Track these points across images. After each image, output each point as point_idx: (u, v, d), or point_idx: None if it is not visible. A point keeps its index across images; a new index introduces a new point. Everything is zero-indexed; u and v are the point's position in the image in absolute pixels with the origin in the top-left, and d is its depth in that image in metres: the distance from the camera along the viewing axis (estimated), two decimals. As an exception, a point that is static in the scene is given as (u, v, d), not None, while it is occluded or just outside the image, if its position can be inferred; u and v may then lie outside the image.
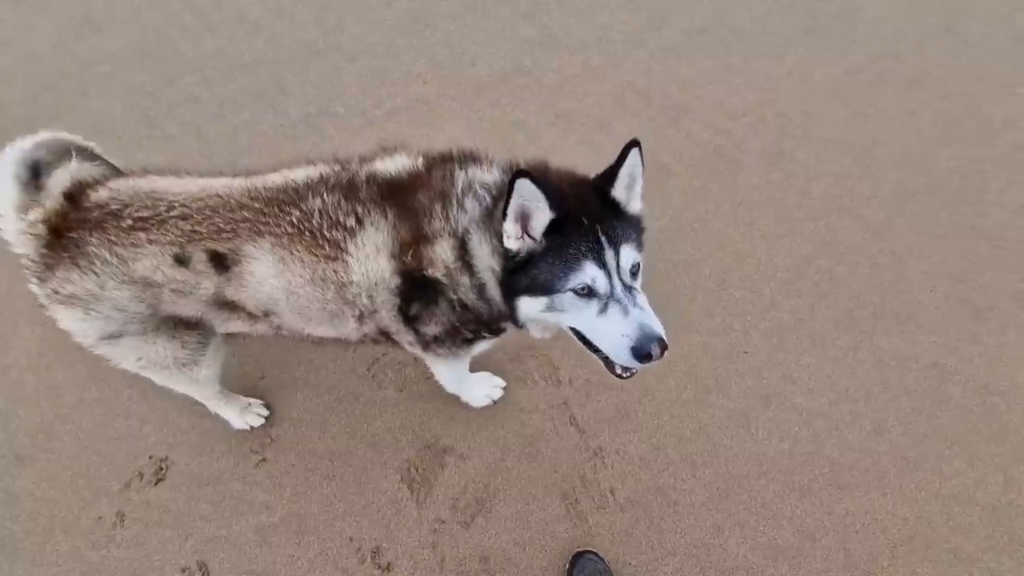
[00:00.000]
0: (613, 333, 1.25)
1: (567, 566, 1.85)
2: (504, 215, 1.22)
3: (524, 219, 1.24)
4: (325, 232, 1.34)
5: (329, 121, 2.85)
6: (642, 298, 1.28)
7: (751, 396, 2.14)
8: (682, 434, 2.07)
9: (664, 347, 1.22)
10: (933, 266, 2.42)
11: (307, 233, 1.34)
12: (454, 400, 2.13)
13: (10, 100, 2.92)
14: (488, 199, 1.34)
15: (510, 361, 2.22)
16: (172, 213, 1.35)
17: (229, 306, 1.45)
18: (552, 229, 1.23)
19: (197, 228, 1.34)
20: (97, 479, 2.01)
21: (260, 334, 1.63)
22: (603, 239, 1.24)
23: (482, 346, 1.67)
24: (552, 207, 1.20)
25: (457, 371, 1.95)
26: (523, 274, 1.27)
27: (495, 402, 2.12)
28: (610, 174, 1.28)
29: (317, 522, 1.94)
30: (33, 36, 3.18)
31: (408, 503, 1.97)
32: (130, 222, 1.34)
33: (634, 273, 1.30)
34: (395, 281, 1.37)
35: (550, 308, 1.29)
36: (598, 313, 1.26)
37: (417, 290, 1.38)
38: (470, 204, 1.34)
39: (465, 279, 1.36)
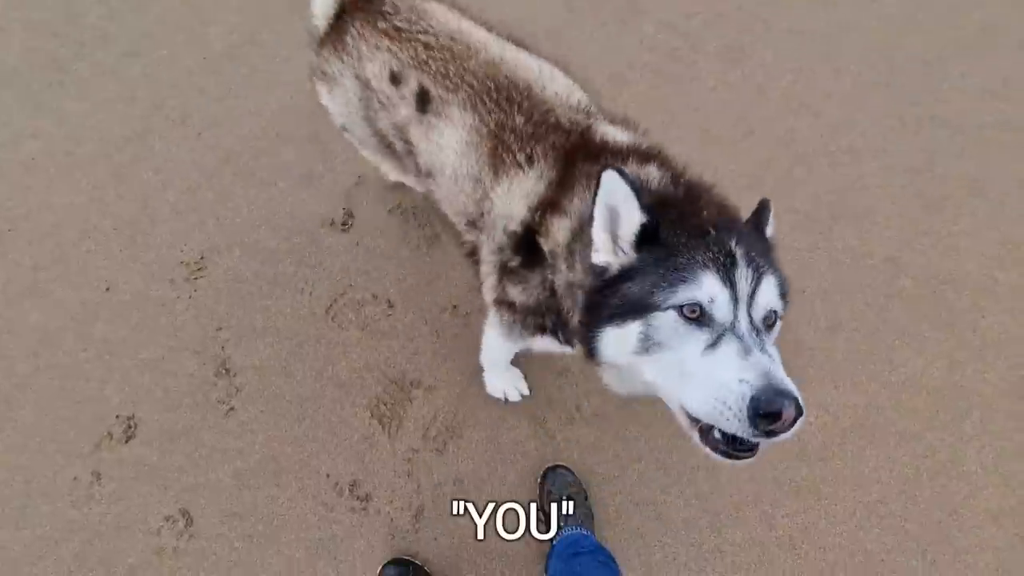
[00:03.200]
0: (723, 375, 0.85)
1: (539, 480, 1.93)
2: (591, 219, 1.01)
3: (614, 225, 1.01)
4: (509, 147, 1.29)
5: (256, 51, 2.62)
6: (774, 350, 0.91)
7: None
8: (644, 348, 2.11)
9: (800, 412, 0.82)
10: (893, 160, 2.39)
11: (499, 139, 1.30)
12: (417, 335, 2.13)
13: None
14: None
15: (470, 291, 2.20)
16: (421, 36, 1.41)
17: (408, 144, 1.50)
18: (649, 239, 0.98)
19: (429, 61, 1.38)
20: (66, 443, 2.01)
21: (415, 187, 1.77)
22: (737, 253, 0.93)
23: (543, 344, 1.46)
24: (642, 207, 0.95)
25: (500, 351, 1.80)
26: (611, 290, 1.00)
27: (507, 401, 2.04)
28: (758, 217, 1.12)
29: (292, 462, 1.98)
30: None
31: (380, 437, 2.01)
32: (385, 26, 1.43)
33: (770, 325, 0.96)
34: (515, 227, 1.27)
35: (644, 341, 0.94)
36: (706, 347, 0.89)
37: (524, 249, 1.27)
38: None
39: (563, 267, 1.18)
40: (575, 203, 1.17)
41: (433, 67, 1.37)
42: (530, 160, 1.26)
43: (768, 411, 0.80)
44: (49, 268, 2.25)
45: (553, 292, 1.24)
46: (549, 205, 1.21)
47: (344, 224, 2.31)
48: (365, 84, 1.48)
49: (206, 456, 2.00)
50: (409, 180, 1.64)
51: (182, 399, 2.07)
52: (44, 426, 2.02)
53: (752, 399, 0.81)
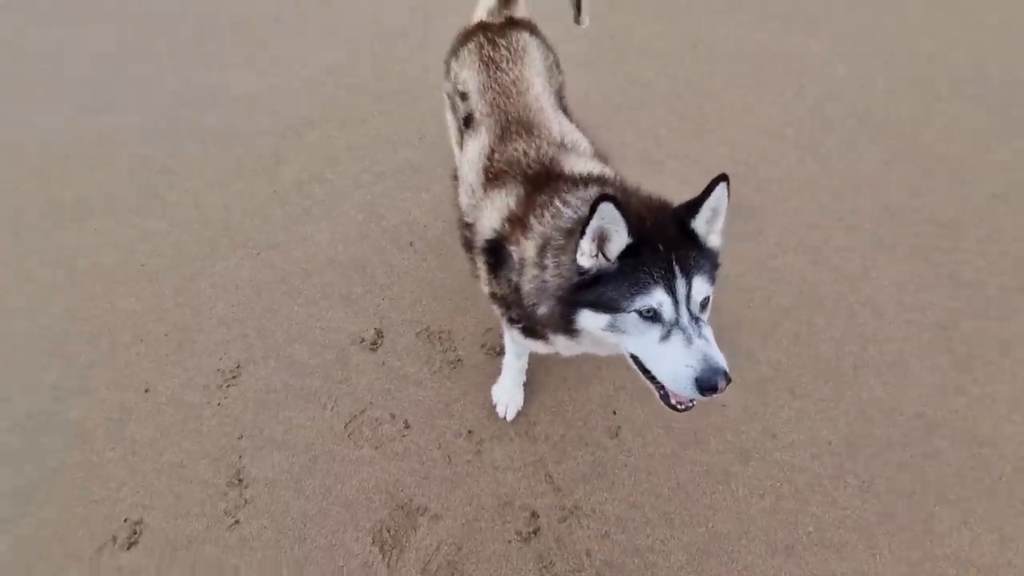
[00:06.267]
0: (675, 362, 1.23)
1: (541, 635, 1.77)
2: (583, 233, 1.26)
3: (601, 240, 1.28)
4: (502, 166, 1.70)
5: (319, 186, 2.99)
6: (708, 330, 1.27)
7: (730, 451, 2.10)
8: (660, 491, 2.03)
9: (728, 380, 1.20)
10: (914, 315, 2.40)
11: (491, 160, 1.74)
12: (429, 458, 2.12)
13: (23, 175, 3.13)
14: (573, 216, 1.44)
15: (487, 417, 2.22)
16: (499, 73, 1.91)
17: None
18: (627, 253, 1.26)
19: (489, 91, 1.89)
20: (71, 544, 2.01)
21: None
22: (676, 267, 1.24)
23: (527, 343, 1.77)
24: (630, 233, 1.23)
25: (510, 350, 2.12)
26: (589, 290, 1.30)
27: (503, 417, 2.20)
28: (693, 205, 1.30)
29: (287, 587, 1.90)
30: (50, 114, 3.44)
31: (379, 567, 1.92)
32: (487, 54, 1.96)
33: (703, 306, 1.30)
34: (489, 235, 1.62)
35: (612, 327, 1.30)
36: (660, 339, 1.25)
37: (498, 252, 1.59)
38: (567, 213, 1.45)
39: (533, 271, 1.45)
40: (536, 226, 1.47)
41: (491, 95, 1.87)
42: (504, 182, 1.64)
43: (707, 387, 1.19)
44: (99, 366, 2.42)
45: (517, 289, 1.51)
46: (517, 220, 1.53)
47: (373, 344, 2.44)
48: (453, 83, 2.03)
49: (202, 574, 1.94)
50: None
51: (191, 507, 2.07)
52: (56, 524, 2.04)
53: (696, 379, 1.20)
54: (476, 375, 2.32)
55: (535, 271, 1.44)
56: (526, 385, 2.26)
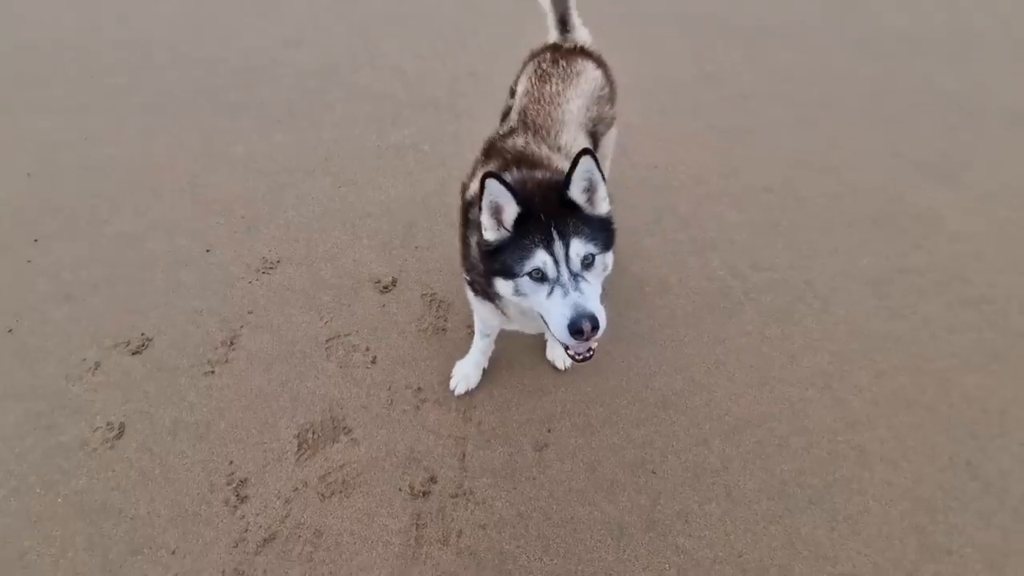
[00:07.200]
0: (556, 312, 1.42)
1: (384, 579, 1.88)
2: (480, 209, 1.49)
3: (497, 213, 1.48)
4: (498, 148, 1.96)
5: (413, 154, 3.41)
6: (587, 286, 1.45)
7: (637, 514, 2.06)
8: (551, 516, 2.05)
9: (595, 325, 1.37)
10: (902, 481, 2.18)
11: (493, 145, 2.02)
12: (375, 393, 2.34)
13: (219, 80, 3.93)
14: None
15: (439, 383, 2.39)
16: (545, 86, 2.15)
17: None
18: (520, 223, 1.46)
19: (528, 96, 2.14)
20: (100, 332, 2.51)
21: None
22: (554, 232, 1.43)
23: (477, 305, 1.97)
24: (518, 202, 1.44)
25: (477, 328, 2.30)
26: (495, 259, 1.52)
27: (452, 390, 2.34)
28: (566, 179, 1.49)
29: (216, 436, 2.20)
30: (254, 37, 4.28)
31: (290, 456, 2.16)
32: (543, 68, 2.24)
33: (587, 265, 1.47)
34: (468, 198, 1.85)
35: (517, 291, 1.51)
36: (547, 296, 1.45)
37: (466, 214, 1.82)
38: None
39: (478, 235, 1.62)
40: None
41: (527, 99, 2.11)
42: (493, 159, 1.89)
43: (575, 329, 1.38)
44: (187, 223, 2.99)
45: (467, 244, 1.77)
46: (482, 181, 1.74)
47: (385, 288, 2.73)
48: (511, 87, 2.30)
49: (167, 395, 2.32)
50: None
51: (188, 347, 2.48)
52: (99, 315, 2.56)
53: (567, 325, 1.38)
54: (451, 348, 2.51)
55: (476, 235, 1.64)
56: (487, 374, 2.40)
